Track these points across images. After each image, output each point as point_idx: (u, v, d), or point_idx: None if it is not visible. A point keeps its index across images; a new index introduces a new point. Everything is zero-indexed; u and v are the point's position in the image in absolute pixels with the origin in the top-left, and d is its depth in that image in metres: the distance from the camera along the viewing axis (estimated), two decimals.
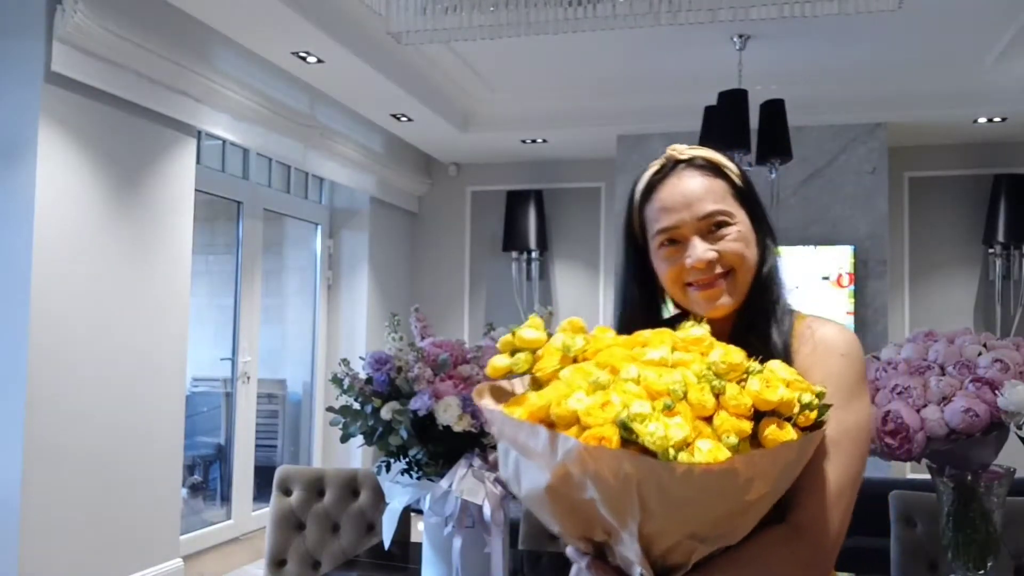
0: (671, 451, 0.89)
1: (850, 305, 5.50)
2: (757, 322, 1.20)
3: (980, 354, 1.53)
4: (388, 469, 1.87)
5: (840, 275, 5.51)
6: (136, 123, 3.84)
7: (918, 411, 1.49)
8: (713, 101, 4.47)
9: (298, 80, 4.82)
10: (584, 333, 1.09)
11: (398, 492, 1.91)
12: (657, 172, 1.24)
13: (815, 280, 5.53)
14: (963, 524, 1.54)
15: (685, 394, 0.95)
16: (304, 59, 4.45)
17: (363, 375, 1.88)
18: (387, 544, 2.00)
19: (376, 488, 2.51)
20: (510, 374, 1.09)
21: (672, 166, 1.23)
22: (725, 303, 1.19)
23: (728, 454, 0.91)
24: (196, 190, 4.26)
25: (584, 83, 5.49)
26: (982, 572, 1.54)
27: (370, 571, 2.24)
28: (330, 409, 1.92)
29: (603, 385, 0.97)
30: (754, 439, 0.96)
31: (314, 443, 5.96)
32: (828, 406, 1.01)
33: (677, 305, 1.27)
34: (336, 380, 1.87)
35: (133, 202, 3.84)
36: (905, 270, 6.15)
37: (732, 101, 4.35)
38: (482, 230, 6.84)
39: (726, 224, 1.19)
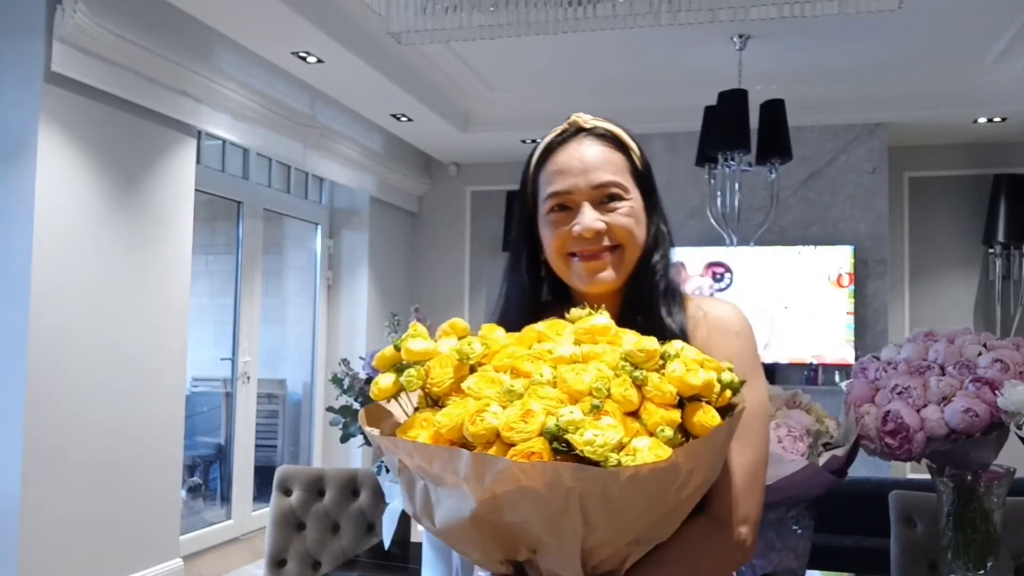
0: (612, 457, 0.82)
1: (850, 305, 5.50)
2: (648, 304, 1.15)
3: (980, 354, 1.53)
4: (388, 469, 1.87)
5: (840, 275, 5.51)
6: (136, 123, 3.84)
7: (918, 411, 1.49)
8: (713, 101, 4.47)
9: (298, 80, 4.82)
10: (469, 335, 1.00)
11: (398, 492, 1.91)
12: (558, 136, 1.19)
13: (815, 280, 5.54)
14: (963, 524, 1.54)
15: (609, 391, 0.88)
16: (304, 59, 4.45)
17: (363, 375, 1.88)
18: (387, 544, 2.00)
19: (376, 488, 2.50)
20: (397, 394, 0.99)
21: (574, 132, 1.18)
22: (607, 277, 1.14)
23: (669, 450, 0.85)
24: (196, 190, 4.26)
25: (584, 83, 5.49)
26: (982, 572, 1.54)
27: (370, 571, 2.24)
28: (330, 409, 1.92)
29: (518, 393, 0.88)
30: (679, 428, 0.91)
31: (314, 443, 5.96)
32: (743, 382, 0.97)
33: (552, 286, 1.22)
34: (336, 380, 1.87)
35: (133, 202, 3.84)
36: (905, 270, 6.15)
37: (732, 101, 4.35)
38: (482, 230, 6.84)
39: (619, 198, 1.15)
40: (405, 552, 2.31)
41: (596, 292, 1.15)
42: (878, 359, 1.65)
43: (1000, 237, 5.76)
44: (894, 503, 2.26)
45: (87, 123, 3.56)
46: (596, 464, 0.83)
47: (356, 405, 1.88)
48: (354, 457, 5.60)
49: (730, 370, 0.96)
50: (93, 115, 3.59)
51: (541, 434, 0.84)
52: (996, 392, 1.44)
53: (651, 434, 0.88)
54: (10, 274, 3.31)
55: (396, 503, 1.94)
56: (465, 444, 0.88)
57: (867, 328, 5.51)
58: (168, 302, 4.05)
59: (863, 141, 5.62)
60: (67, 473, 3.46)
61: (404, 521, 2.23)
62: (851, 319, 5.48)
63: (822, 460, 1.53)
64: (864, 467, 3.60)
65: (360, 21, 4.32)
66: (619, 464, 0.82)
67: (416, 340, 0.98)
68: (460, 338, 1.01)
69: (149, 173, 3.94)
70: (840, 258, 5.52)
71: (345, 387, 1.87)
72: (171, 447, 4.10)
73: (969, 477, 1.54)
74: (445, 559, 1.85)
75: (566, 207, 1.15)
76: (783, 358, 5.53)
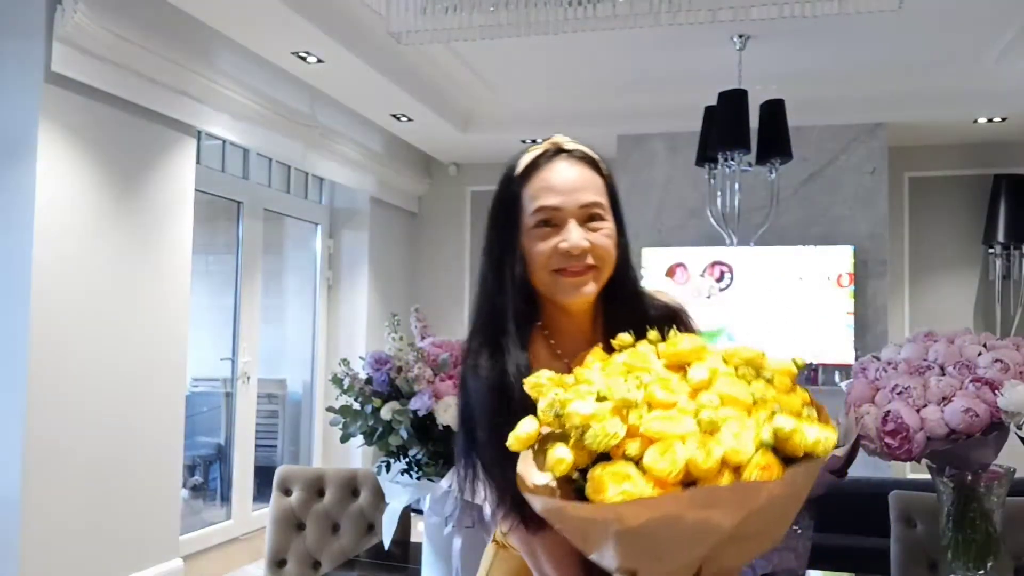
0: (827, 448, 0.91)
1: (850, 305, 5.50)
2: (631, 308, 1.24)
3: (980, 354, 1.53)
4: (388, 469, 1.87)
5: (840, 275, 5.51)
6: (136, 123, 3.84)
7: (918, 411, 1.49)
8: (713, 101, 4.47)
9: (298, 80, 4.82)
10: (565, 383, 1.00)
11: (398, 492, 1.91)
12: (541, 154, 1.26)
13: (815, 280, 5.54)
14: (963, 524, 1.54)
15: (764, 396, 0.95)
16: (304, 59, 4.45)
17: (363, 375, 1.88)
18: (387, 544, 2.00)
19: (376, 488, 2.50)
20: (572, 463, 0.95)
21: (555, 152, 1.25)
22: (590, 291, 1.22)
23: (833, 429, 0.94)
24: (196, 190, 4.26)
25: (584, 83, 5.49)
26: (982, 572, 1.54)
27: (370, 571, 2.24)
28: (330, 409, 1.92)
29: (715, 425, 0.91)
30: None
31: (314, 443, 5.96)
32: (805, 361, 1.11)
33: (526, 298, 1.25)
34: (336, 380, 1.87)
35: (133, 202, 3.84)
36: (905, 270, 6.15)
37: (732, 101, 4.35)
38: (482, 230, 6.78)
39: (600, 218, 1.23)
40: (405, 552, 2.31)
41: (576, 304, 1.24)
42: (878, 359, 1.65)
43: (1000, 237, 5.76)
44: (894, 503, 2.26)
45: (87, 123, 3.56)
46: (815, 458, 0.91)
47: (356, 405, 1.88)
48: (354, 457, 5.60)
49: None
50: (93, 115, 3.59)
51: (762, 448, 0.89)
52: (996, 392, 1.44)
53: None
54: (10, 274, 3.31)
55: (396, 503, 1.94)
56: (693, 482, 0.89)
57: (867, 328, 5.51)
58: (168, 302, 4.05)
59: (863, 141, 5.62)
60: (67, 473, 3.46)
61: (404, 521, 2.23)
62: (851, 319, 5.48)
63: None
64: (864, 467, 3.60)
65: (360, 21, 4.32)
66: (828, 449, 0.91)
67: (581, 403, 0.95)
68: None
69: (149, 173, 3.94)
70: (840, 258, 5.51)
71: (345, 387, 1.87)
72: (171, 447, 4.10)
73: (969, 477, 1.54)
74: (445, 559, 1.85)
75: (550, 223, 1.22)
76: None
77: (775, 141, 4.44)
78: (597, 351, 1.07)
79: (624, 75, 5.32)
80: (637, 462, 0.91)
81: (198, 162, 4.33)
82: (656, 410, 0.94)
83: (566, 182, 1.22)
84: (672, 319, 1.23)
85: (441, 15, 3.65)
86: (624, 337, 1.07)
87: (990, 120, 5.48)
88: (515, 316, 1.24)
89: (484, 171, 6.83)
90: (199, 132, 4.31)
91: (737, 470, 0.88)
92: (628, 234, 1.28)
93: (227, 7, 3.83)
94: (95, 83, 3.53)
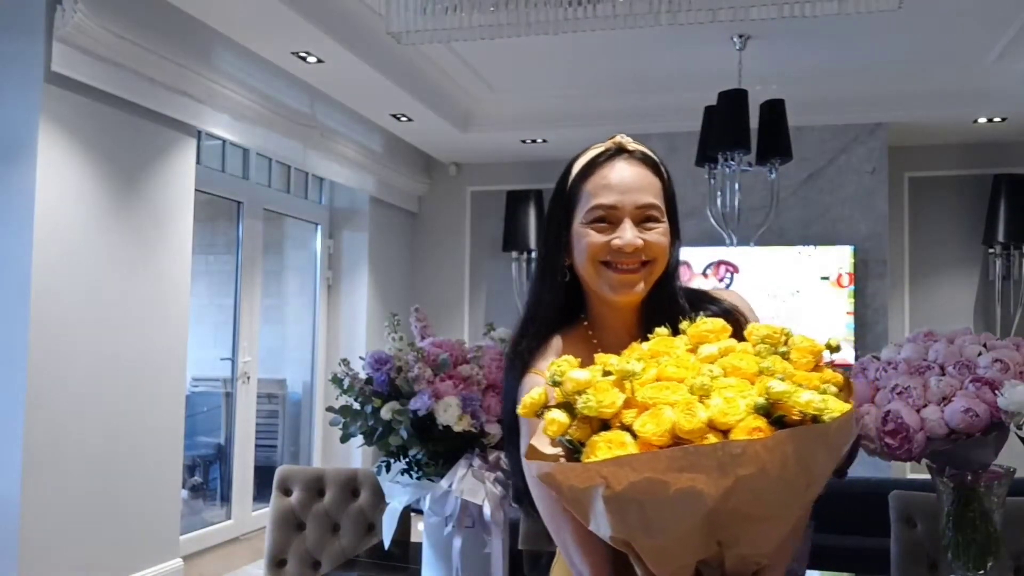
0: (827, 410, 0.90)
1: (850, 305, 5.50)
2: (671, 312, 1.22)
3: (980, 354, 1.53)
4: (388, 469, 1.87)
5: (840, 275, 5.51)
6: (136, 123, 3.84)
7: (918, 411, 1.49)
8: (713, 101, 4.47)
9: (298, 80, 4.82)
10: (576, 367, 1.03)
11: (398, 492, 1.91)
12: (602, 153, 1.28)
13: (815, 280, 5.54)
14: (963, 524, 1.54)
15: (773, 368, 0.95)
16: (304, 59, 4.45)
17: (363, 375, 1.88)
18: (387, 544, 2.00)
19: (376, 488, 2.50)
20: (567, 426, 0.98)
21: (616, 151, 1.27)
22: (640, 290, 1.24)
23: (846, 404, 0.92)
24: (196, 190, 4.26)
25: (584, 83, 5.49)
26: (982, 572, 1.54)
27: (370, 571, 2.24)
28: (330, 409, 1.92)
29: (707, 388, 0.93)
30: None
31: (314, 443, 5.96)
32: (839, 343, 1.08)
33: (572, 294, 1.29)
34: (336, 380, 1.87)
35: (133, 202, 3.84)
36: (905, 270, 6.15)
37: (732, 101, 4.35)
38: (482, 230, 6.84)
39: (656, 219, 1.25)
40: (405, 552, 2.31)
41: (623, 300, 1.25)
42: (878, 359, 1.65)
43: (1000, 237, 5.76)
44: (894, 503, 2.26)
45: (87, 123, 3.56)
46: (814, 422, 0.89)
47: (356, 405, 1.88)
48: (354, 457, 5.60)
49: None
50: (93, 115, 3.59)
51: (752, 411, 0.90)
52: (996, 392, 1.44)
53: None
54: (10, 274, 3.31)
55: (396, 503, 1.94)
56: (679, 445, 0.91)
57: (867, 328, 5.51)
58: (168, 302, 4.05)
59: (863, 141, 5.62)
60: (67, 473, 3.46)
61: (404, 521, 2.23)
62: (851, 319, 5.48)
63: None
64: (864, 467, 3.60)
65: (360, 21, 4.32)
66: (832, 417, 0.89)
67: (577, 371, 1.00)
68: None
69: (149, 173, 3.94)
70: (840, 258, 5.52)
71: (345, 387, 1.87)
72: (171, 447, 4.10)
73: (969, 477, 1.54)
74: (445, 559, 1.85)
75: (605, 220, 1.23)
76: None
77: (775, 141, 4.44)
78: (635, 347, 1.06)
79: (624, 75, 5.32)
80: (634, 432, 0.93)
81: (198, 162, 4.33)
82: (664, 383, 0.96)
83: (624, 181, 1.24)
84: (725, 317, 1.18)
85: (441, 15, 3.65)
86: (660, 330, 1.07)
87: (990, 120, 5.48)
88: (557, 313, 1.28)
89: (484, 171, 6.83)
90: (199, 132, 4.31)
91: (727, 434, 0.89)
92: (681, 238, 1.31)
93: (227, 7, 3.83)
94: (95, 83, 3.53)
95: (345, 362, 1.90)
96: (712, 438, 0.89)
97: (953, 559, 1.56)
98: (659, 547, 0.95)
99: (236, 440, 5.02)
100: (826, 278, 5.53)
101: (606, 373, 0.99)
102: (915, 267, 6.16)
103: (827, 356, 1.02)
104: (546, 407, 1.00)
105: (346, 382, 1.86)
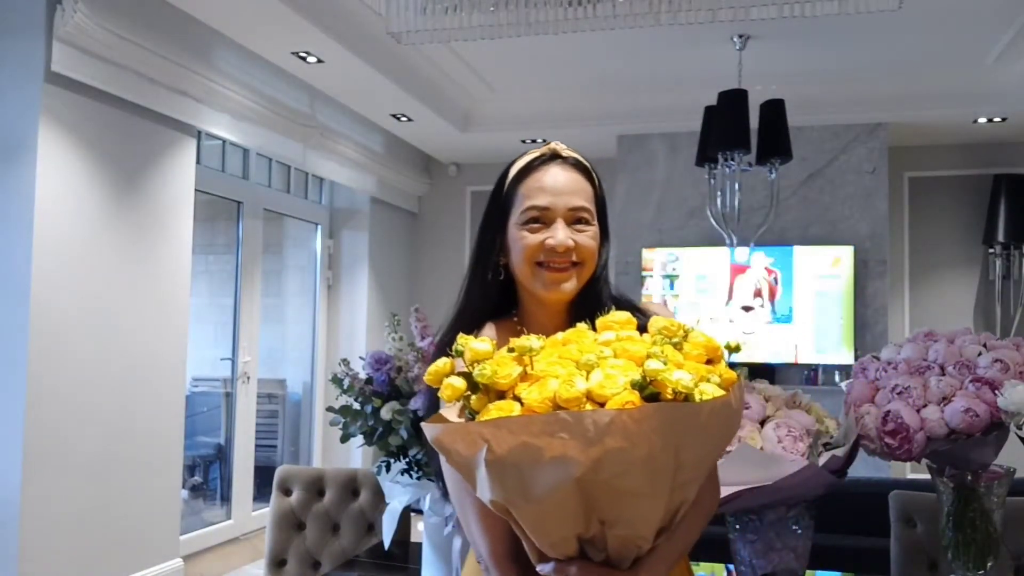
0: (697, 391, 0.96)
1: (850, 305, 5.49)
2: (596, 310, 1.26)
3: (980, 354, 1.53)
4: (388, 469, 1.87)
5: (840, 275, 5.51)
6: (136, 123, 3.84)
7: (918, 411, 1.49)
8: (713, 101, 4.47)
9: (298, 80, 4.82)
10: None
11: (398, 492, 1.91)
12: (537, 157, 1.35)
13: (815, 280, 5.53)
14: (963, 524, 1.54)
15: (663, 353, 1.00)
16: (304, 59, 4.45)
17: (363, 375, 1.88)
18: (387, 544, 2.00)
19: (376, 488, 2.50)
20: (462, 391, 1.04)
21: (551, 156, 1.34)
22: (570, 288, 1.30)
23: (722, 391, 0.98)
24: (196, 190, 4.26)
25: (584, 83, 5.49)
26: (982, 572, 1.54)
27: (370, 571, 2.24)
28: (330, 409, 1.92)
29: (593, 365, 0.99)
30: None
31: (314, 443, 5.96)
32: (739, 344, 1.14)
33: (503, 291, 1.35)
34: (336, 380, 1.87)
35: (133, 202, 3.84)
36: (905, 270, 6.15)
37: (732, 101, 4.35)
38: None
39: (587, 222, 1.32)
40: (405, 552, 2.31)
41: (554, 298, 1.32)
42: (878, 359, 1.65)
43: (1000, 237, 5.76)
44: (894, 503, 2.26)
45: (87, 123, 3.56)
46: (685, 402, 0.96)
47: (356, 405, 1.88)
48: (354, 457, 5.60)
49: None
50: (93, 115, 3.59)
51: (630, 387, 0.96)
52: (996, 392, 1.44)
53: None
54: (10, 274, 3.31)
55: (396, 503, 1.94)
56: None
57: (867, 328, 5.51)
58: (168, 302, 4.05)
59: (863, 141, 5.62)
60: (67, 473, 3.46)
61: (404, 521, 2.23)
62: (851, 319, 5.48)
63: (822, 460, 1.53)
64: (864, 467, 3.61)
65: (360, 21, 4.32)
66: (703, 399, 0.96)
67: (479, 342, 1.05)
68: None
69: (149, 173, 3.94)
70: (840, 258, 5.51)
71: (345, 387, 1.87)
72: (171, 447, 4.10)
73: (969, 477, 1.54)
74: (445, 559, 1.85)
75: (539, 221, 1.30)
76: (783, 358, 5.53)
77: (775, 141, 4.44)
78: (553, 338, 1.11)
79: (624, 75, 5.32)
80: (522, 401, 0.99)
81: (198, 162, 4.33)
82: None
83: (557, 185, 1.31)
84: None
85: (441, 15, 3.65)
86: (581, 324, 1.12)
87: (990, 120, 5.48)
88: (490, 307, 1.34)
89: (484, 171, 6.83)
90: (199, 132, 4.31)
91: (603, 406, 0.95)
92: (610, 242, 1.37)
93: (227, 7, 3.84)
94: (95, 83, 3.53)
95: (345, 362, 1.90)
96: (589, 408, 0.95)
97: (953, 559, 1.56)
98: (536, 514, 1.00)
99: (236, 440, 5.02)
100: (827, 278, 5.53)
101: (510, 350, 1.04)
102: (915, 267, 6.15)
103: (727, 356, 1.09)
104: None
105: (346, 382, 1.86)
